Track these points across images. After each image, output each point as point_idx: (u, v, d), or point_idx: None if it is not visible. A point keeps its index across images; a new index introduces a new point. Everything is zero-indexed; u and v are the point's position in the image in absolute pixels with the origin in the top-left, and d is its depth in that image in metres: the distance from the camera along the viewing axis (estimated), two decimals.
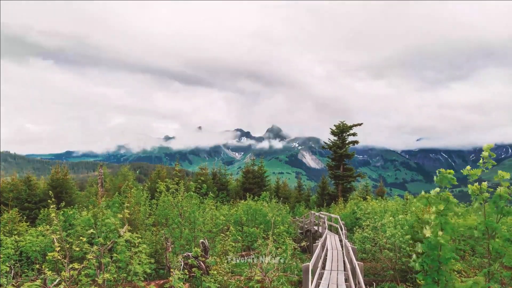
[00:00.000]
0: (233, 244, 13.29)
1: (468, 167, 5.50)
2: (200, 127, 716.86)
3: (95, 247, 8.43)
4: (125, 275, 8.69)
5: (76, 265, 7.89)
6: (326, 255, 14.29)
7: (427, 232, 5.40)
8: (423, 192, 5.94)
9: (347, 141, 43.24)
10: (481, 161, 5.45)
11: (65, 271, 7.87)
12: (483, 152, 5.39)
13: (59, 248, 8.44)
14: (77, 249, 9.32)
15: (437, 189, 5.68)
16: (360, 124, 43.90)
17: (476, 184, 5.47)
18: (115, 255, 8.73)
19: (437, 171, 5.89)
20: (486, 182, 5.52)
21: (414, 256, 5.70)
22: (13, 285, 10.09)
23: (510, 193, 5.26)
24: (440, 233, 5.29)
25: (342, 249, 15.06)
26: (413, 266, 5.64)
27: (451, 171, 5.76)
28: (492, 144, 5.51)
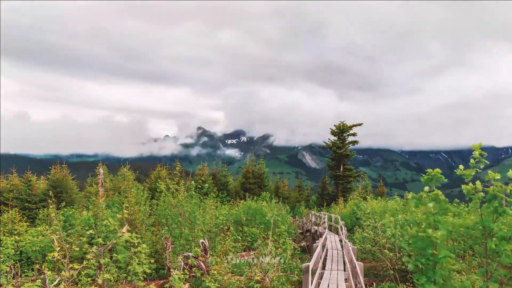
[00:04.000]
0: (233, 244, 13.30)
1: (461, 166, 5.53)
2: (200, 127, 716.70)
3: (95, 247, 8.43)
4: (125, 275, 8.70)
5: (76, 265, 7.90)
6: (326, 255, 14.30)
7: (410, 230, 5.42)
8: (411, 193, 5.97)
9: (347, 141, 43.27)
10: (472, 161, 5.49)
11: (65, 271, 7.87)
12: (474, 152, 5.43)
13: (59, 248, 8.46)
14: (77, 249, 9.33)
15: (427, 188, 5.71)
16: (360, 124, 43.92)
17: (471, 184, 5.50)
18: (114, 255, 8.74)
19: (427, 171, 5.91)
20: (478, 181, 5.54)
21: (404, 257, 5.72)
22: (13, 285, 10.09)
23: (504, 192, 5.28)
24: (430, 230, 5.31)
25: (342, 249, 15.07)
26: (407, 265, 5.67)
27: (438, 169, 5.78)
28: (481, 143, 5.56)
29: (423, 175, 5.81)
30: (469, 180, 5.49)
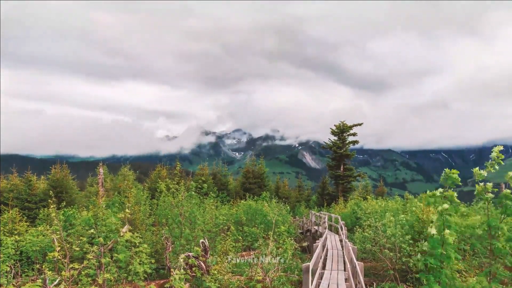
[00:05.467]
0: (234, 244, 13.29)
1: (476, 168, 5.59)
2: (200, 126, 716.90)
3: (95, 247, 8.43)
4: (125, 275, 8.69)
5: (76, 265, 7.90)
6: (326, 255, 14.30)
7: (433, 230, 5.45)
8: (428, 191, 6.01)
9: (347, 141, 43.28)
10: (488, 162, 5.53)
11: (65, 271, 7.87)
12: (492, 153, 5.47)
13: (59, 248, 8.45)
14: (77, 249, 9.33)
15: (441, 189, 5.75)
16: (360, 124, 43.94)
17: (482, 184, 5.54)
18: (115, 255, 8.74)
19: (444, 170, 5.96)
20: (490, 183, 5.58)
21: (419, 255, 5.73)
22: (13, 285, 10.08)
23: None
24: (447, 231, 5.33)
25: (342, 249, 15.07)
26: (417, 265, 5.69)
27: (455, 171, 5.82)
28: (501, 146, 5.60)
29: (443, 175, 5.88)
30: (479, 180, 5.54)
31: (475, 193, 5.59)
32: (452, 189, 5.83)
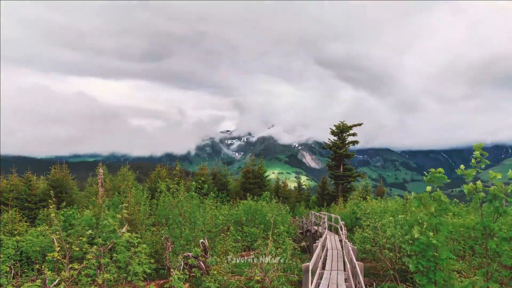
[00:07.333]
0: (233, 244, 13.30)
1: (462, 166, 5.55)
2: (200, 127, 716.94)
3: (95, 247, 8.45)
4: (125, 275, 8.71)
5: (76, 265, 7.91)
6: (326, 255, 14.31)
7: (415, 232, 5.44)
8: (413, 193, 6.00)
9: (347, 141, 43.30)
10: (473, 161, 5.50)
11: (65, 271, 7.88)
12: (474, 152, 5.44)
13: (59, 248, 8.47)
14: (77, 249, 9.34)
15: (429, 188, 5.73)
16: (360, 124, 43.95)
17: (471, 183, 5.51)
18: (115, 255, 8.75)
19: (429, 170, 5.93)
20: (480, 181, 5.56)
21: (405, 257, 5.73)
22: (13, 285, 10.09)
23: (505, 192, 5.28)
24: (430, 233, 5.32)
25: (342, 249, 15.08)
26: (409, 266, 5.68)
27: (441, 169, 5.81)
28: (483, 143, 5.57)
29: (426, 174, 5.84)
30: (469, 180, 5.50)
31: (465, 192, 5.56)
32: (441, 189, 5.82)
